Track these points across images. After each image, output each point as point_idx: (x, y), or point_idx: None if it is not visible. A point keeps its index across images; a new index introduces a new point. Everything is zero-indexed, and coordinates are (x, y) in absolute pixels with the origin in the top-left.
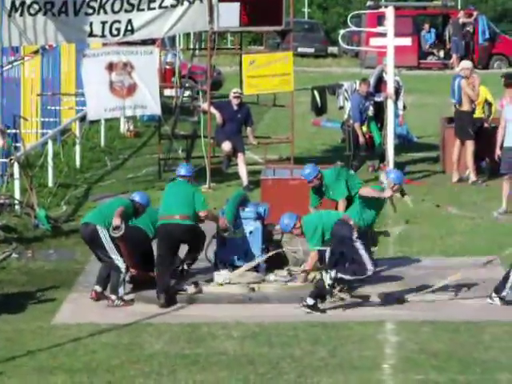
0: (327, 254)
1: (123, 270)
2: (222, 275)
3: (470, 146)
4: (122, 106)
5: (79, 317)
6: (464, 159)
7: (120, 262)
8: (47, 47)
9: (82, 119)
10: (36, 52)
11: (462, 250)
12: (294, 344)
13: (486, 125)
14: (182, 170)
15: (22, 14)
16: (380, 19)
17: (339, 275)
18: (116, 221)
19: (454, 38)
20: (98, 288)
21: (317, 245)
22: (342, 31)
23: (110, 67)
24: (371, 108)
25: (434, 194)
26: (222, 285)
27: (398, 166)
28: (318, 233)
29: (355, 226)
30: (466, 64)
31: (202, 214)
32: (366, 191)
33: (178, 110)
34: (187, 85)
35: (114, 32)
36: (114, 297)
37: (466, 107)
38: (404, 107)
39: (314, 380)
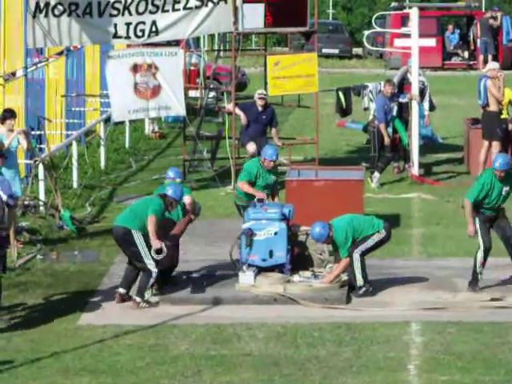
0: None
1: (154, 274)
2: (247, 276)
3: (496, 146)
4: (146, 107)
5: (104, 318)
6: (490, 160)
7: (152, 266)
8: (72, 48)
9: (107, 120)
10: (60, 53)
11: (497, 250)
12: (319, 345)
13: (510, 126)
14: (170, 172)
15: (46, 15)
16: (404, 20)
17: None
18: (156, 244)
19: (483, 39)
20: (122, 290)
21: (348, 252)
22: (366, 32)
23: (135, 68)
24: (396, 109)
25: (458, 194)
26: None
27: (424, 166)
28: (349, 240)
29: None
30: (494, 65)
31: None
32: None
33: (202, 111)
34: (212, 86)
35: (139, 33)
36: (138, 299)
37: (493, 108)
38: (432, 107)
39: (339, 381)
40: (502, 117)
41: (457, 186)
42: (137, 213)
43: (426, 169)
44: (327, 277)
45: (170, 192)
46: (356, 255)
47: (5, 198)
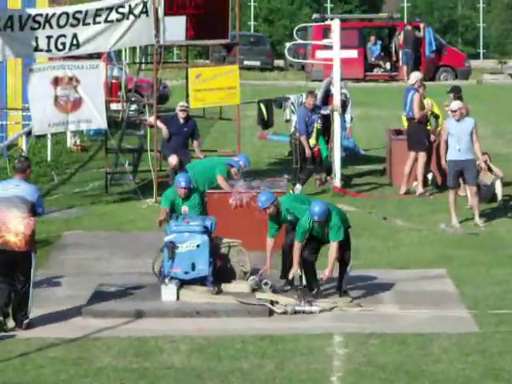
0: None
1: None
2: (169, 289)
3: (422, 157)
4: (65, 120)
5: (27, 332)
6: (415, 172)
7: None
8: None
9: (29, 134)
10: None
11: (409, 262)
12: (242, 357)
13: (432, 137)
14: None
15: None
16: (326, 32)
17: None
18: None
19: (406, 50)
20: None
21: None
22: (287, 44)
23: (56, 82)
24: (319, 121)
25: (380, 206)
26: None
27: (346, 178)
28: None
29: None
30: (418, 75)
31: None
32: None
33: (124, 124)
34: (133, 99)
35: (60, 46)
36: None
37: (417, 119)
38: (351, 119)
39: None
40: (427, 128)
41: (378, 197)
42: None
43: (347, 180)
44: (327, 269)
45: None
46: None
47: None
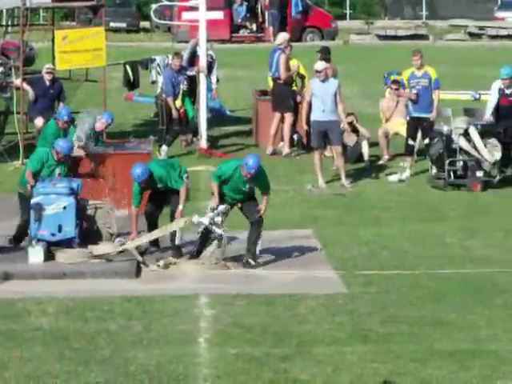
0: None
1: None
2: (36, 250)
3: (289, 117)
4: None
5: None
6: (280, 132)
7: None
8: None
9: None
10: None
11: (277, 223)
12: (109, 319)
13: (298, 98)
14: None
15: None
16: None
17: None
18: None
19: (272, 11)
20: None
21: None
22: (154, 6)
23: None
24: (185, 82)
25: None
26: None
27: (212, 139)
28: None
29: None
30: (285, 36)
31: None
32: None
33: None
34: (0, 61)
35: None
36: None
37: (283, 80)
38: (217, 80)
39: (129, 354)
40: (293, 88)
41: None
42: None
43: (214, 142)
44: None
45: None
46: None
47: None
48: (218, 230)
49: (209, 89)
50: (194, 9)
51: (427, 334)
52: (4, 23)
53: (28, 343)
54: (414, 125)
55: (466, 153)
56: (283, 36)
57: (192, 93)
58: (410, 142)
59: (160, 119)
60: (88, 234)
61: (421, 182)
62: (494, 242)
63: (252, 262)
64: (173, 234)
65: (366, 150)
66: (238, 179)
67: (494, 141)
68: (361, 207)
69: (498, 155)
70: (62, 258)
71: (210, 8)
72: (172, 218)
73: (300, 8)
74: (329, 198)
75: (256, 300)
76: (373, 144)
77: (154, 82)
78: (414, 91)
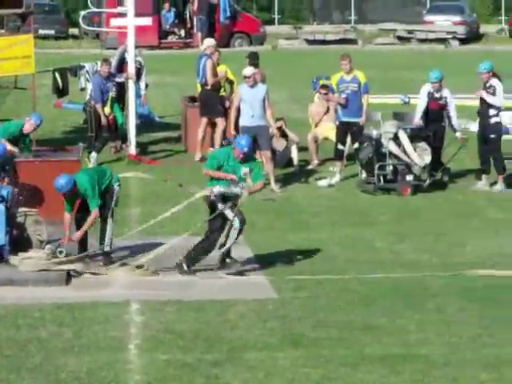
0: None
1: None
2: None
3: (221, 123)
4: None
5: None
6: (208, 137)
7: None
8: None
9: None
10: None
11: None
12: (40, 326)
13: (227, 103)
14: None
15: None
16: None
17: None
18: None
19: (200, 17)
20: None
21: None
22: (82, 12)
23: None
24: (114, 89)
25: (176, 173)
26: None
27: (141, 146)
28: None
29: None
30: (211, 42)
31: None
32: None
33: None
34: None
35: None
36: None
37: (211, 85)
38: (146, 87)
39: (60, 362)
40: (221, 94)
41: (174, 164)
42: None
43: (143, 148)
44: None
45: None
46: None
47: None
48: (231, 214)
49: (137, 95)
50: (122, 15)
51: (357, 339)
52: None
53: None
54: (344, 129)
55: (396, 157)
56: (209, 42)
57: (121, 99)
58: (340, 146)
59: (89, 126)
60: (18, 241)
61: (350, 187)
62: (424, 246)
63: (184, 267)
64: (102, 238)
65: (295, 154)
66: (233, 164)
67: (423, 145)
68: (290, 212)
69: (427, 159)
70: (26, 265)
71: (138, 14)
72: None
73: (228, 14)
74: (258, 203)
75: (187, 306)
76: (302, 149)
77: (83, 89)
78: (343, 96)
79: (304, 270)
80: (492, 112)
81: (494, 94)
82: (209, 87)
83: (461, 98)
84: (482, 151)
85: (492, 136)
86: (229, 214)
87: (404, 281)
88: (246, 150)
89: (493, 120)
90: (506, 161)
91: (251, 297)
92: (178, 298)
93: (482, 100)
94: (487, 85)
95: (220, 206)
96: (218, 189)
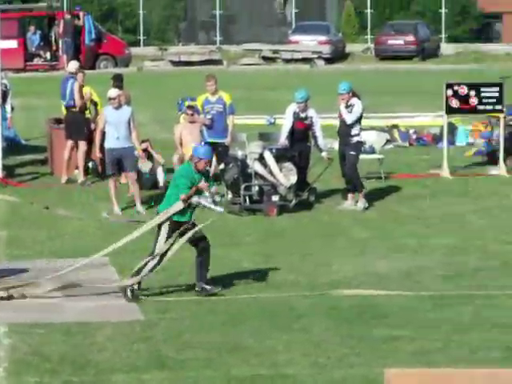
0: None
1: None
2: None
3: (83, 145)
4: None
5: None
6: (74, 159)
7: None
8: None
9: None
10: None
11: (72, 251)
12: None
13: (92, 125)
14: None
15: None
16: None
17: None
18: None
19: (66, 39)
20: None
21: None
22: None
23: None
24: None
25: (43, 196)
26: None
27: (7, 168)
28: None
29: None
30: (75, 64)
31: None
32: None
33: None
34: None
35: None
36: None
37: (79, 107)
38: (12, 109)
39: None
40: (86, 116)
41: (40, 187)
42: None
43: (9, 170)
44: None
45: None
46: None
47: None
48: (219, 209)
49: (3, 118)
50: None
51: (225, 360)
52: None
53: None
54: None
55: (262, 177)
56: (73, 64)
57: None
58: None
59: None
60: None
61: None
62: (290, 266)
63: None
64: None
65: (161, 176)
66: (197, 177)
67: (289, 165)
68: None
69: (293, 179)
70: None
71: (3, 37)
72: None
73: (93, 36)
74: (125, 225)
75: (54, 329)
76: (168, 170)
77: None
78: (209, 116)
79: (170, 292)
80: (354, 131)
81: (351, 111)
82: (77, 109)
83: (326, 117)
84: (345, 171)
85: (351, 153)
86: (206, 203)
87: (271, 301)
88: (210, 156)
89: (354, 139)
90: (369, 180)
91: (118, 319)
92: (46, 320)
93: (343, 120)
94: (348, 104)
95: (194, 200)
96: (196, 199)
